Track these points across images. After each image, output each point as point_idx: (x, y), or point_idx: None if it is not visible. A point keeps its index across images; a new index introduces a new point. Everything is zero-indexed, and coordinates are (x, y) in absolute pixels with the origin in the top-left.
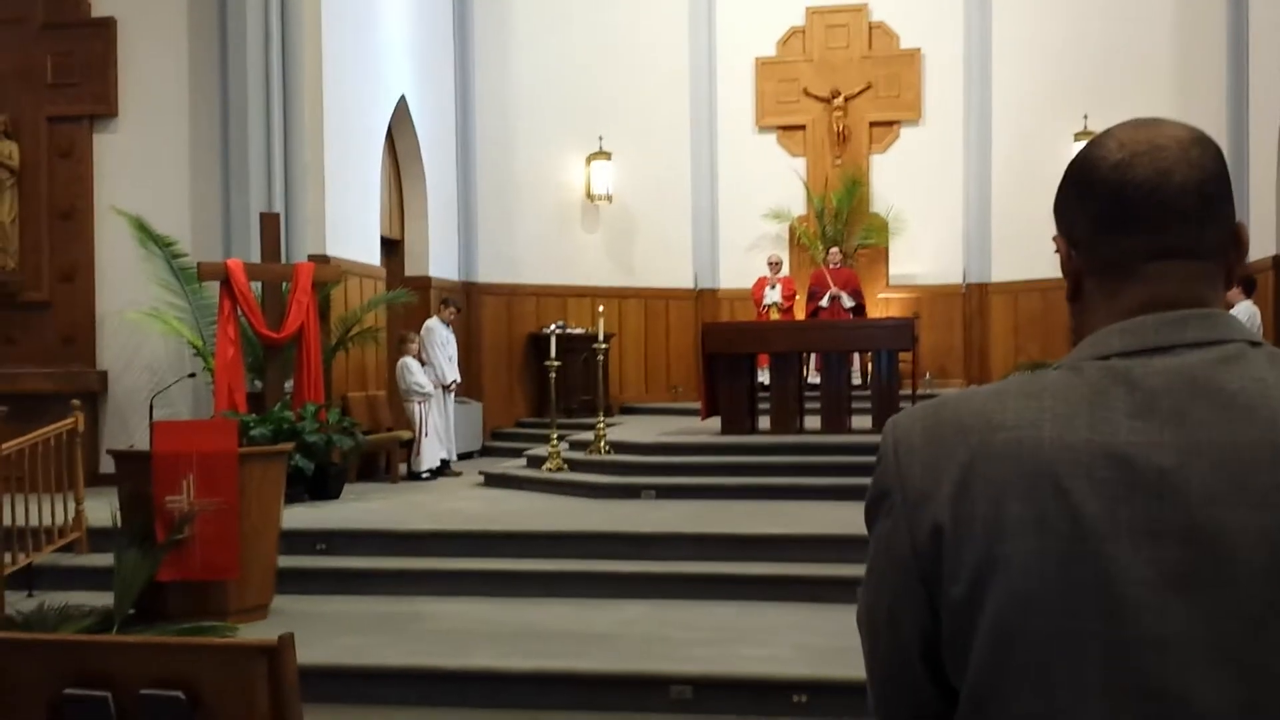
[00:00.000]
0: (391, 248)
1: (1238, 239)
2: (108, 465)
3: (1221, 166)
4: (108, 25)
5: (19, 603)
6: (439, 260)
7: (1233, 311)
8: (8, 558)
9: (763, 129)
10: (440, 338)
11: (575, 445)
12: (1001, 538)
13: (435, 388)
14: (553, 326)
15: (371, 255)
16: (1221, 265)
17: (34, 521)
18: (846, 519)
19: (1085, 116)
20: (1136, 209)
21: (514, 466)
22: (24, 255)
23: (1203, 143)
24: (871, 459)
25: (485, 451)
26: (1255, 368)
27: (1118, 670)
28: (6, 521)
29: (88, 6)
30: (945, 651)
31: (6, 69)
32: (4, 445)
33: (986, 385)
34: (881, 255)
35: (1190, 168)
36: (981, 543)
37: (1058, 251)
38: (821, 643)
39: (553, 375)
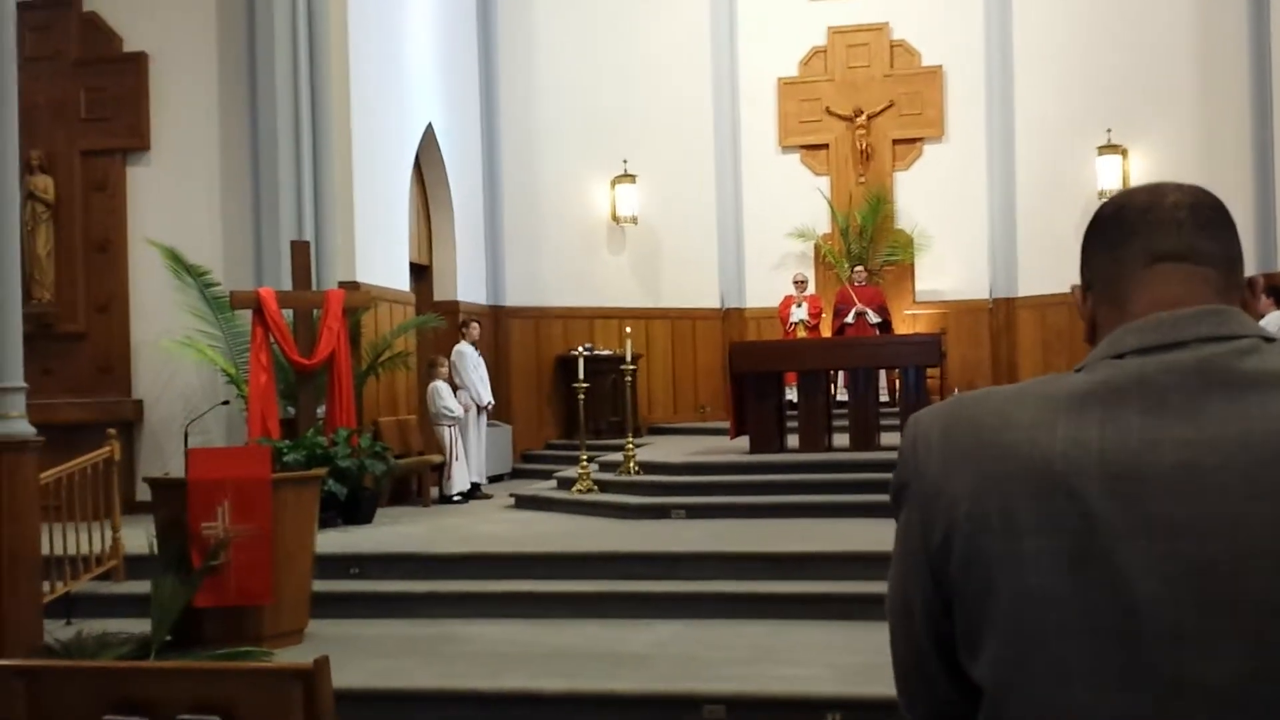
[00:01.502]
0: (420, 273)
1: (1252, 288)
2: (144, 493)
3: (1219, 204)
4: (139, 60)
5: (58, 631)
6: (467, 285)
7: (1263, 321)
8: (46, 586)
9: (786, 149)
10: (472, 361)
11: (605, 466)
12: (1014, 535)
13: (466, 411)
14: (580, 349)
15: (400, 281)
16: (1225, 278)
17: (72, 550)
18: (877, 536)
19: (1109, 130)
20: (1132, 224)
21: (544, 488)
22: (60, 287)
23: (1203, 189)
24: (894, 469)
25: (515, 474)
26: (1268, 361)
27: (1135, 664)
28: (45, 550)
29: (119, 42)
30: (959, 644)
31: (41, 104)
32: (42, 475)
33: (1009, 385)
34: (907, 272)
35: (1184, 193)
36: (994, 539)
37: (1075, 302)
38: (855, 660)
39: (581, 397)
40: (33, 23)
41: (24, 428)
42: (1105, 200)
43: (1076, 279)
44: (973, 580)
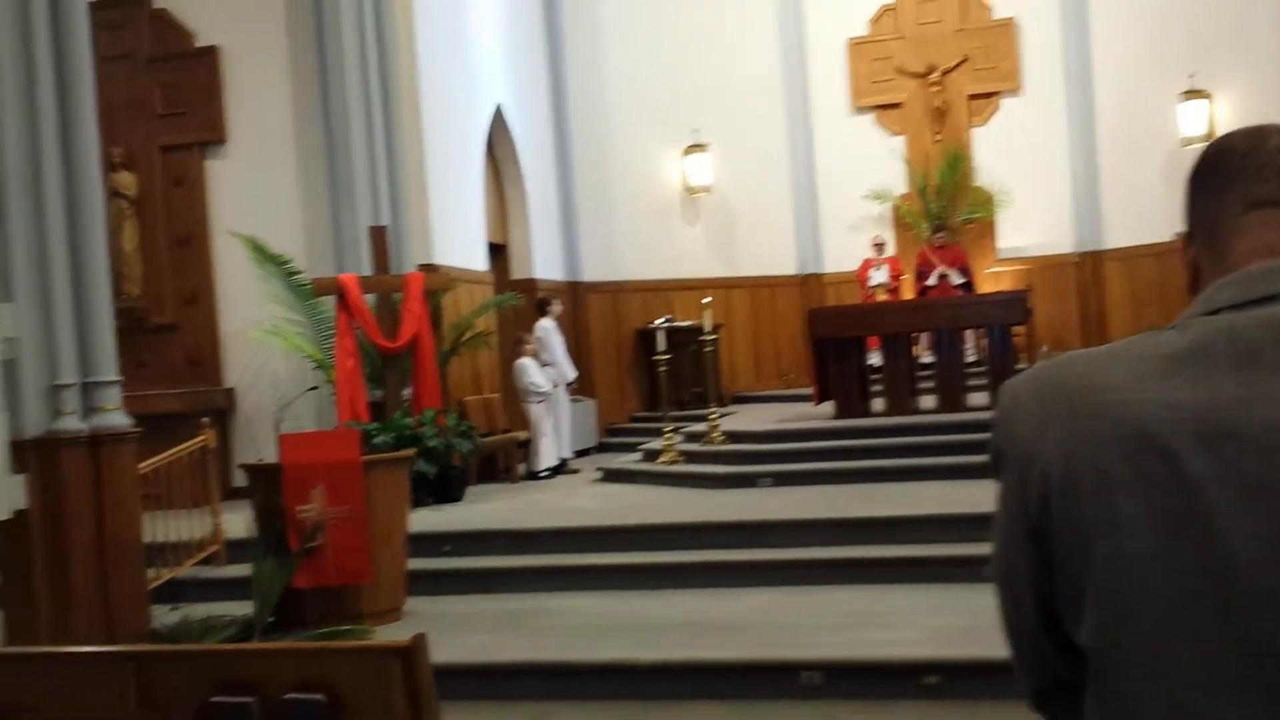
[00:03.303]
0: (496, 252)
1: None
2: (240, 479)
3: None
4: (212, 54)
5: (164, 616)
6: (543, 262)
7: None
8: (151, 573)
9: (859, 110)
10: (559, 338)
11: (689, 437)
12: (1108, 498)
13: (555, 387)
14: (660, 321)
15: (478, 261)
16: None
17: (174, 537)
18: (968, 498)
19: (1191, 75)
20: (1232, 168)
21: (630, 461)
22: (147, 281)
23: None
24: (990, 435)
25: (601, 448)
26: None
27: (1232, 625)
28: (148, 538)
29: (190, 37)
30: (1062, 610)
31: (119, 102)
32: (141, 464)
33: (1101, 346)
34: (988, 229)
35: None
36: (1088, 503)
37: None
38: (951, 623)
39: (663, 369)
40: (105, 22)
41: (121, 419)
42: (1209, 143)
43: (1162, 228)
44: (1070, 545)
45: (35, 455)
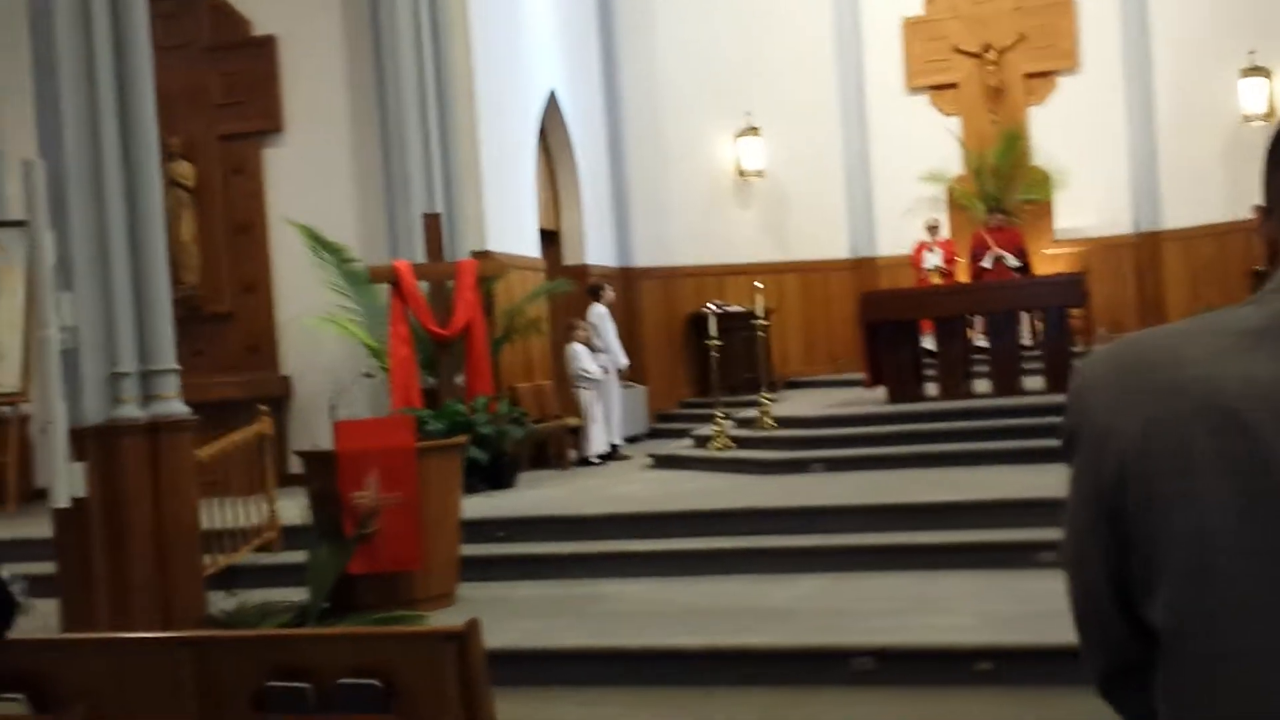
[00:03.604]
0: (549, 238)
1: None
2: (296, 466)
3: None
4: (269, 43)
5: (221, 602)
6: (596, 248)
7: None
8: (208, 559)
9: (914, 90)
10: (610, 324)
11: (740, 422)
12: (1187, 475)
13: (606, 373)
14: (712, 306)
15: (530, 248)
16: None
17: (231, 523)
18: (1024, 483)
19: (1252, 52)
20: None
21: (681, 447)
22: (205, 270)
23: None
24: (1045, 420)
25: (652, 434)
26: None
27: None
28: (205, 525)
29: (247, 26)
30: (1134, 589)
31: (177, 92)
32: (199, 451)
33: (1177, 323)
34: (1045, 210)
35: None
36: (1167, 481)
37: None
38: (1005, 609)
39: (714, 354)
40: (163, 12)
41: (179, 407)
42: None
43: (1221, 208)
44: (1147, 522)
45: (94, 443)
